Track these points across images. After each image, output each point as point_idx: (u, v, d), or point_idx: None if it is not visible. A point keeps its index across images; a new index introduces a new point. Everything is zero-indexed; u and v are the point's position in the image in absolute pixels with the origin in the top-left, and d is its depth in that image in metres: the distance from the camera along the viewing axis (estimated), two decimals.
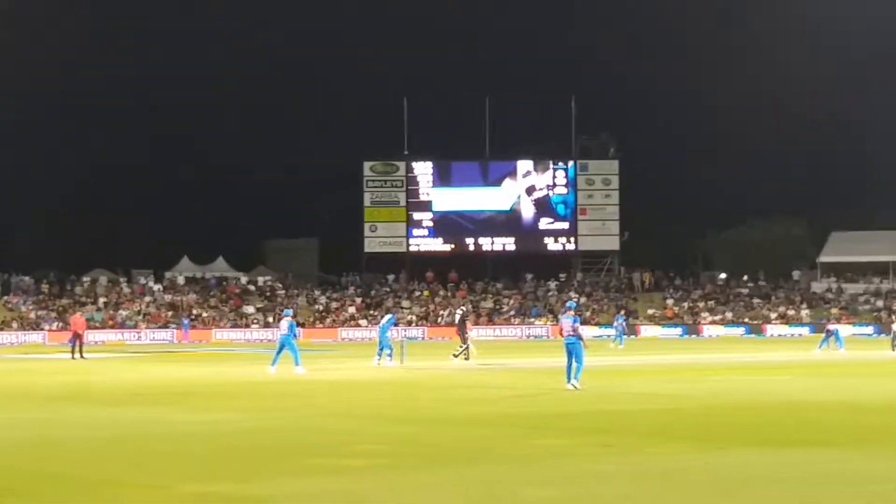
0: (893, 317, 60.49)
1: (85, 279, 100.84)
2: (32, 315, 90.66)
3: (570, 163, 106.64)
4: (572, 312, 32.29)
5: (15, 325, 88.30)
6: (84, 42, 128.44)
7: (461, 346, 48.29)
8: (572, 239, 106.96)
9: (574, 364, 30.35)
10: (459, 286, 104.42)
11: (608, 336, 74.38)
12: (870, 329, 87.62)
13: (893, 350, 55.86)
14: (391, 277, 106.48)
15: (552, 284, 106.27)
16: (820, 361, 47.77)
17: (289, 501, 13.80)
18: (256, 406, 27.33)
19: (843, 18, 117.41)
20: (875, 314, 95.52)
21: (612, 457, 17.60)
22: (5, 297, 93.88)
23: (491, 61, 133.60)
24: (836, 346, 57.35)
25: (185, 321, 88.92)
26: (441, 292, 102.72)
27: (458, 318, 51.80)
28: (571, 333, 30.79)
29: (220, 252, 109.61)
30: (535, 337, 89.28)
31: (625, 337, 70.33)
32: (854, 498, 13.83)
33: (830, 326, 60.83)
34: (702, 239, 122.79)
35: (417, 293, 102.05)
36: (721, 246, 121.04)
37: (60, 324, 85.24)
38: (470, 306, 66.12)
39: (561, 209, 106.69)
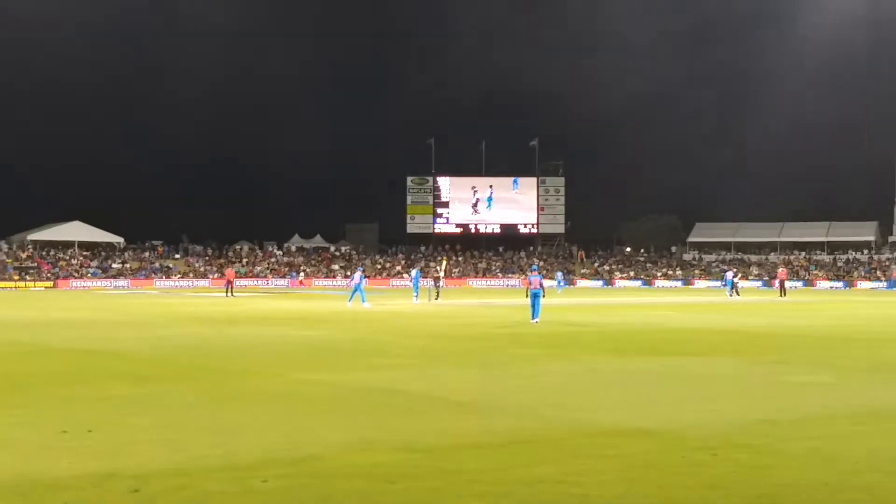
0: (727, 273, 59.29)
1: (236, 247, 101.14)
2: (202, 269, 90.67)
3: (535, 178, 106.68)
4: (537, 272, 31.91)
5: (191, 275, 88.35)
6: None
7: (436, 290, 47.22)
8: (535, 226, 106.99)
9: (534, 307, 29.15)
10: (464, 254, 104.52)
11: (551, 286, 74.28)
12: (718, 283, 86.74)
13: (729, 296, 55.01)
14: (423, 248, 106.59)
15: (522, 254, 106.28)
16: (695, 303, 47.41)
17: (360, 383, 13.73)
18: (338, 327, 27.29)
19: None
20: (722, 273, 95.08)
21: (560, 360, 17.56)
22: (186, 258, 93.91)
23: (490, 115, 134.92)
24: (727, 290, 55.56)
25: (293, 274, 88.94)
26: (453, 258, 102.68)
27: (433, 271, 51.78)
28: (538, 287, 29.61)
29: (318, 230, 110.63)
30: (511, 285, 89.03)
31: (563, 284, 71.08)
32: (697, 385, 13.72)
33: (730, 276, 57.91)
34: (616, 226, 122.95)
35: (438, 257, 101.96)
36: (628, 230, 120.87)
37: (219, 275, 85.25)
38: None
39: (528, 207, 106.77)
